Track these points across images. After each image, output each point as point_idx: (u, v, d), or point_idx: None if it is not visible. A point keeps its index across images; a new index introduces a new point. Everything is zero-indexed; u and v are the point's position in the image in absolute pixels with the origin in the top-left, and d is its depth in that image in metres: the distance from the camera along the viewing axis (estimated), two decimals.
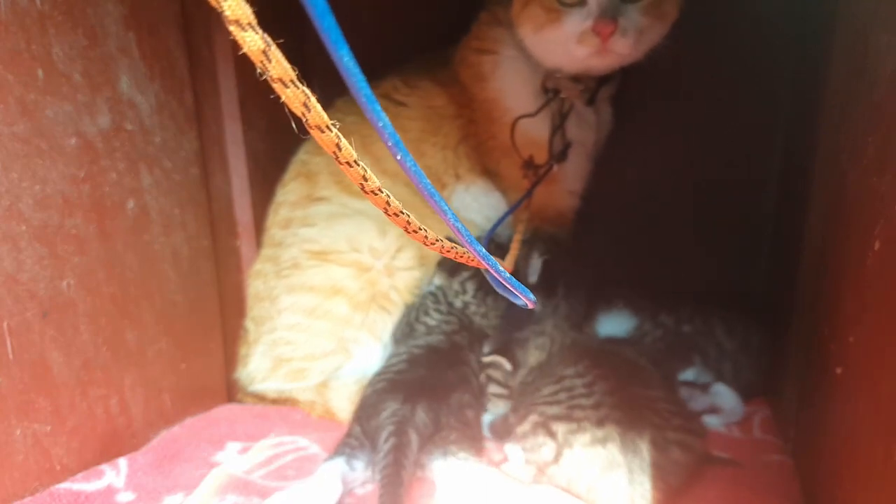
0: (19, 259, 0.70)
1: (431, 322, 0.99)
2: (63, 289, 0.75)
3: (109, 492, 0.76)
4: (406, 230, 0.43)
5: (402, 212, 0.41)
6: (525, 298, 0.53)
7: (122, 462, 0.81)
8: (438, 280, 1.07)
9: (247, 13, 0.29)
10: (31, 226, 0.71)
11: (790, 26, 1.05)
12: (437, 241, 0.46)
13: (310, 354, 1.01)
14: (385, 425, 0.78)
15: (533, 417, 0.75)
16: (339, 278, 1.01)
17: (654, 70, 1.01)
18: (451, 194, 1.10)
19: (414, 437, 0.76)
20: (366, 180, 0.37)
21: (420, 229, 0.44)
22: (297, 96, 0.31)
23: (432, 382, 0.84)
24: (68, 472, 0.76)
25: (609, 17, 0.87)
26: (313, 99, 0.32)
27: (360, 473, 0.78)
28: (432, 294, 1.04)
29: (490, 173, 1.11)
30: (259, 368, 1.03)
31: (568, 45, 0.91)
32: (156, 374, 0.89)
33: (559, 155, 1.02)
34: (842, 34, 0.77)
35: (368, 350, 1.03)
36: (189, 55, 0.95)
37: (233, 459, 0.85)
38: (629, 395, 0.75)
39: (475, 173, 1.10)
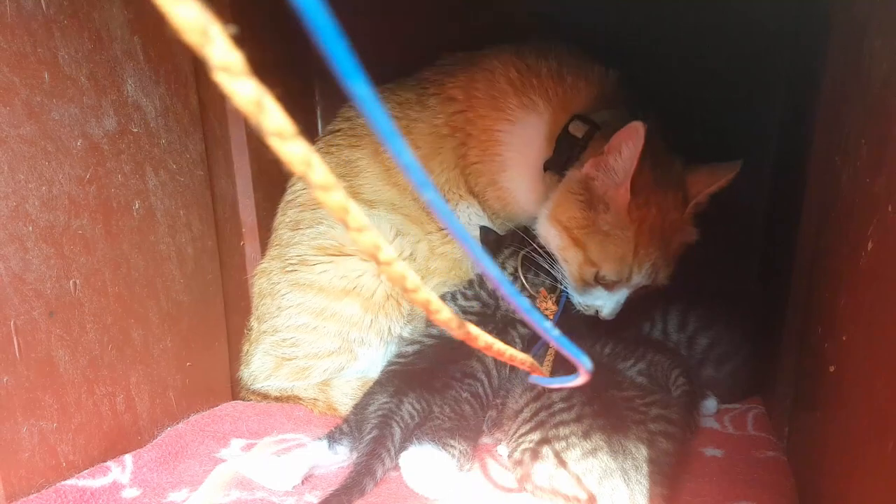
0: (26, 259, 0.71)
1: (453, 307, 0.99)
2: (69, 288, 0.76)
3: (115, 488, 0.77)
4: (428, 311, 0.39)
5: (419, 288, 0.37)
6: (580, 367, 0.46)
7: (128, 459, 0.81)
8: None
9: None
10: (37, 226, 0.72)
11: (786, 29, 1.05)
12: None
13: (313, 353, 1.02)
14: (370, 418, 0.81)
15: (523, 446, 0.76)
16: (354, 276, 1.00)
17: (648, 69, 1.02)
18: (453, 211, 1.10)
19: (397, 430, 0.79)
20: (378, 250, 0.33)
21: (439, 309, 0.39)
22: (298, 153, 0.28)
23: (431, 376, 0.85)
24: (74, 469, 0.76)
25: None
26: (316, 158, 0.29)
27: (342, 456, 0.81)
28: (469, 281, 1.04)
29: (476, 196, 1.10)
30: (261, 367, 1.04)
31: (585, 293, 0.95)
32: (161, 372, 0.90)
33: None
34: (837, 37, 0.78)
35: (374, 351, 1.04)
36: (193, 58, 0.95)
37: (237, 456, 0.86)
38: (606, 400, 0.76)
39: (472, 196, 1.10)
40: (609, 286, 0.94)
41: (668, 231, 0.92)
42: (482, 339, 0.42)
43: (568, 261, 0.95)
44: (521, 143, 1.02)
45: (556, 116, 1.00)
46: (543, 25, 1.14)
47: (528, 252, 1.00)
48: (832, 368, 0.64)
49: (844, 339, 0.62)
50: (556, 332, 0.43)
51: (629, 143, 0.84)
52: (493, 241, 1.04)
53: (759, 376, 0.99)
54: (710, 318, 1.02)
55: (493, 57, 1.05)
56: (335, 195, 0.30)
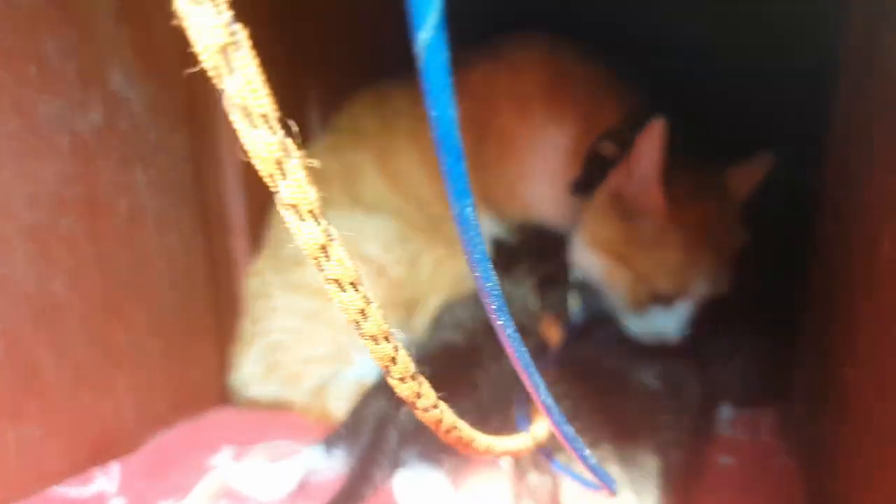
0: (11, 259, 0.69)
1: (463, 315, 0.95)
2: (55, 290, 0.74)
3: (101, 497, 0.75)
4: (459, 444, 0.41)
5: (455, 427, 0.39)
6: (606, 488, 0.49)
7: (115, 466, 0.79)
8: None
9: (310, 198, 0.24)
10: (23, 225, 0.70)
11: (799, 23, 1.04)
12: (486, 450, 0.45)
13: (306, 357, 0.99)
14: (366, 421, 0.78)
15: (526, 456, 0.74)
16: None
17: (661, 66, 1.00)
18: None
19: (394, 435, 0.76)
20: (419, 397, 0.36)
21: (472, 441, 0.42)
22: (353, 302, 0.27)
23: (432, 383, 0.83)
24: (60, 477, 0.75)
25: None
26: (373, 306, 0.29)
27: (339, 462, 0.79)
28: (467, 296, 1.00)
29: (489, 202, 1.05)
30: (252, 374, 1.01)
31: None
32: (149, 376, 0.88)
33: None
34: (852, 32, 0.76)
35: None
36: (182, 51, 0.93)
37: (227, 464, 0.84)
38: (616, 409, 0.74)
39: (481, 200, 1.05)
40: (667, 301, 0.89)
41: (717, 232, 0.89)
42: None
43: (617, 284, 0.90)
44: (541, 154, 0.97)
45: (582, 134, 0.96)
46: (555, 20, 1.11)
47: (545, 274, 0.97)
48: (848, 372, 0.63)
49: (860, 342, 0.60)
50: (589, 456, 0.45)
51: (649, 142, 0.81)
52: (506, 257, 1.01)
53: (771, 378, 0.98)
54: (713, 314, 1.00)
55: (522, 53, 1.00)
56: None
